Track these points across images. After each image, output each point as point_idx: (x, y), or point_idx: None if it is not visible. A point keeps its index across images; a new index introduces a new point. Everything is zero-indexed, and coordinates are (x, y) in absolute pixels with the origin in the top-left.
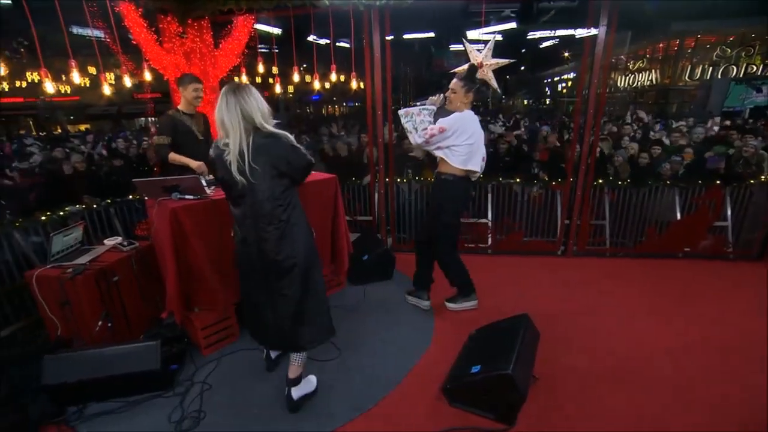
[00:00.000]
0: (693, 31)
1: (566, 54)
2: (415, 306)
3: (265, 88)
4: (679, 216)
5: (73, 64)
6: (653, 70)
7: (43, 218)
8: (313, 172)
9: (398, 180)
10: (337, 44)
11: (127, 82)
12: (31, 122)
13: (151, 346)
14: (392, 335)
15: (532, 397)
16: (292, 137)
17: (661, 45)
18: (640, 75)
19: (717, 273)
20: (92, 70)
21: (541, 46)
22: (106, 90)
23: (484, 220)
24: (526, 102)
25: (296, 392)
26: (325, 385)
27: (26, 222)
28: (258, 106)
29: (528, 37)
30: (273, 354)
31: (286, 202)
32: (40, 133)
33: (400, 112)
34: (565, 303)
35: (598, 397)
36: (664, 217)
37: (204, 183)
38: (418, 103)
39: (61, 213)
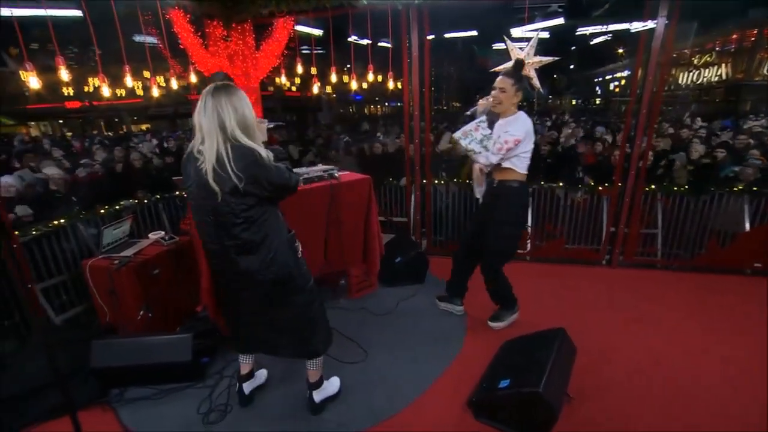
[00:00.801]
0: None
1: (620, 50)
2: (445, 311)
3: (306, 88)
4: (748, 227)
5: (127, 69)
6: (723, 65)
7: (102, 211)
8: (348, 172)
9: (436, 182)
10: (379, 44)
11: (174, 84)
12: (102, 123)
13: (184, 338)
14: (421, 341)
15: (565, 417)
16: (267, 154)
17: (734, 36)
18: (707, 70)
19: None
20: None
21: (591, 43)
22: (155, 92)
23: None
24: (574, 102)
25: (318, 395)
26: (347, 389)
27: (89, 215)
28: (235, 111)
29: (577, 33)
30: (246, 388)
31: (250, 221)
32: (109, 133)
33: (456, 135)
34: (608, 317)
35: (640, 421)
36: (730, 227)
37: None
38: (467, 113)
39: (117, 207)
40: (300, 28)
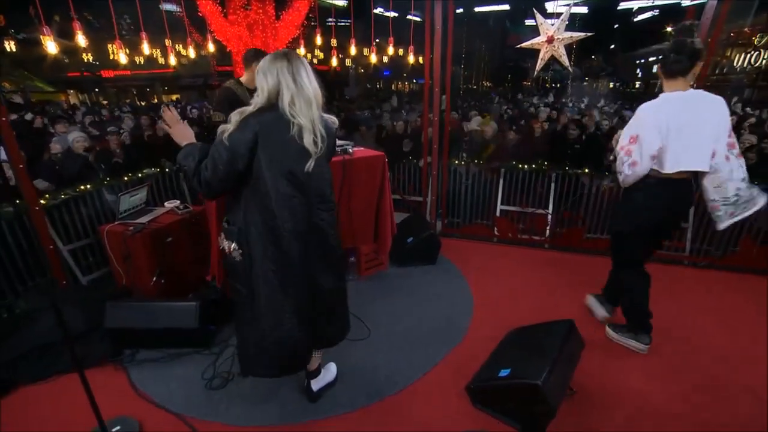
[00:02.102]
0: None
1: (669, 29)
2: (453, 295)
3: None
4: None
5: (144, 36)
6: None
7: (126, 178)
8: (362, 148)
9: (456, 162)
10: (407, 17)
11: (191, 53)
12: (134, 92)
13: (191, 306)
14: (426, 323)
15: (565, 411)
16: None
17: None
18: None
19: None
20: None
21: (636, 20)
22: (172, 61)
23: (542, 211)
24: (612, 85)
25: (316, 384)
26: (347, 366)
27: (113, 181)
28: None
29: (620, 8)
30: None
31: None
32: (141, 102)
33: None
34: None
35: (644, 419)
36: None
37: None
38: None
39: (140, 175)
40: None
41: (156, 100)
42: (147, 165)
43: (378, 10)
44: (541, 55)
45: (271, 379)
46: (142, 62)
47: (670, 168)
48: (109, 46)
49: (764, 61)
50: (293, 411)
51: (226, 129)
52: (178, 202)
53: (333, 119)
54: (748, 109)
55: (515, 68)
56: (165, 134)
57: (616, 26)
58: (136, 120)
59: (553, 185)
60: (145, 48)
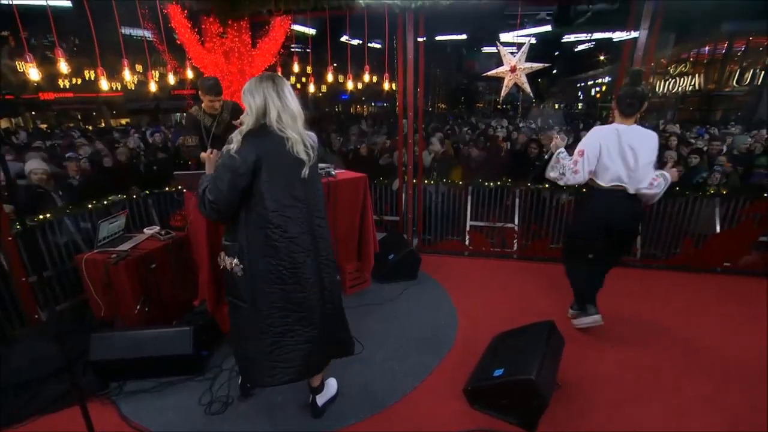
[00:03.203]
0: (745, 32)
1: (602, 57)
2: (437, 307)
3: (302, 86)
4: (718, 229)
5: (125, 63)
6: (697, 75)
7: (90, 206)
8: (344, 170)
9: (426, 181)
10: (369, 45)
11: (171, 79)
12: (79, 116)
13: (184, 331)
14: (415, 335)
15: (555, 403)
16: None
17: (707, 47)
18: (682, 80)
19: (761, 290)
20: (139, 68)
21: (576, 50)
22: (153, 87)
23: (510, 225)
24: (557, 106)
25: (321, 399)
26: (345, 381)
27: (76, 209)
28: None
29: (563, 41)
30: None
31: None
32: (88, 127)
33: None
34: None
35: (623, 407)
36: (703, 229)
37: None
38: (546, 156)
39: (105, 202)
40: (295, 27)
41: (103, 124)
42: (111, 192)
43: (344, 38)
44: (505, 82)
45: (271, 400)
46: (77, 83)
47: (609, 183)
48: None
49: (679, 88)
50: (301, 428)
51: (230, 150)
52: (158, 228)
53: (314, 135)
54: (673, 128)
55: (467, 91)
56: (128, 160)
57: (557, 54)
58: (91, 145)
59: (517, 200)
60: (126, 75)
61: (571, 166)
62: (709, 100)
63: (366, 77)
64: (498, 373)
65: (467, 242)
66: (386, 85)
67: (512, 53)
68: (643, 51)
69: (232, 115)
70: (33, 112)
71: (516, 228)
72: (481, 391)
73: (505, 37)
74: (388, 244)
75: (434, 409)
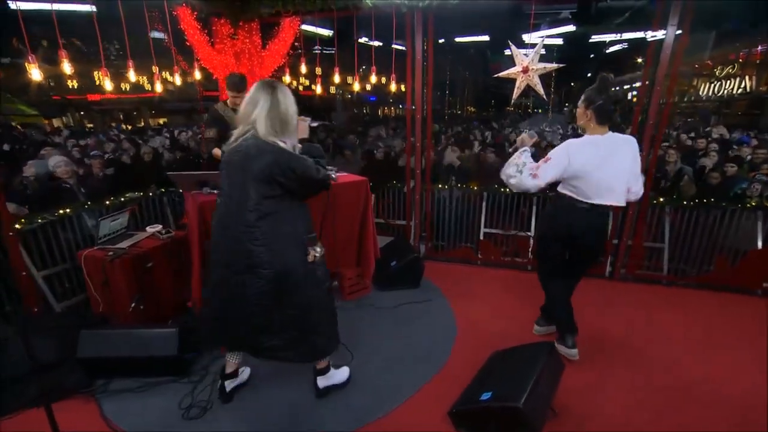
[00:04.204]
0: None
1: (639, 59)
2: (436, 318)
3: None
4: (760, 245)
5: (131, 64)
6: (747, 77)
7: (107, 202)
8: (346, 174)
9: (440, 186)
10: (393, 47)
11: (177, 80)
12: (121, 116)
13: (170, 332)
14: (410, 346)
15: None
16: (296, 146)
17: (759, 48)
18: (728, 82)
19: None
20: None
21: (607, 51)
22: (159, 88)
23: (524, 233)
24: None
25: (322, 381)
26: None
27: (94, 205)
28: (273, 107)
29: (591, 41)
30: (228, 386)
31: (264, 212)
32: (127, 126)
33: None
34: (606, 331)
35: None
36: (741, 245)
37: None
38: (510, 149)
39: (122, 199)
40: (310, 28)
41: (143, 124)
42: (132, 189)
43: (363, 40)
44: (517, 84)
45: (252, 406)
46: (127, 88)
47: (579, 197)
48: (95, 72)
49: (725, 91)
50: None
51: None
52: (160, 226)
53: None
54: (723, 131)
55: (497, 95)
56: (153, 158)
57: (592, 56)
58: (120, 144)
59: (534, 208)
60: (131, 75)
61: (531, 169)
62: (762, 103)
63: (373, 78)
64: (486, 396)
65: (478, 251)
66: (393, 86)
67: (526, 54)
68: (670, 52)
69: None
70: (81, 113)
71: (531, 237)
72: (467, 414)
73: (528, 38)
74: (393, 249)
75: (417, 428)
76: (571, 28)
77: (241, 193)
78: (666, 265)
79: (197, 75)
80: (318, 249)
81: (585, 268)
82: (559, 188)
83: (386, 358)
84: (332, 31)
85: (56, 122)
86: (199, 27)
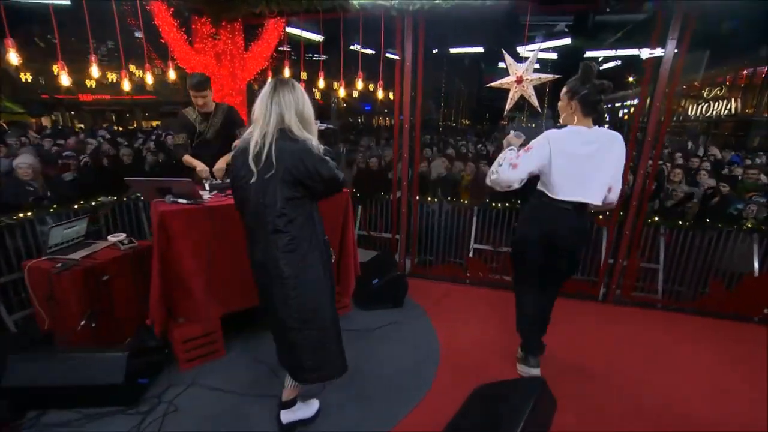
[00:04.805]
0: None
1: (630, 78)
2: (418, 343)
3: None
4: (757, 269)
5: (94, 59)
6: (733, 99)
7: (76, 206)
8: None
9: (428, 199)
10: (383, 54)
11: (149, 78)
12: (113, 117)
13: (117, 357)
14: (387, 374)
15: None
16: (320, 147)
17: (744, 72)
18: (716, 104)
19: None
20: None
21: (601, 68)
22: (126, 86)
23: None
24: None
25: (286, 416)
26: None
27: (61, 209)
28: (296, 105)
29: (586, 56)
30: (284, 417)
31: (292, 215)
32: (119, 128)
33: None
34: (601, 360)
35: None
36: (737, 267)
37: (207, 187)
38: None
39: (93, 203)
40: (297, 31)
41: (135, 125)
42: (107, 193)
43: (355, 47)
44: (510, 94)
45: None
46: (121, 86)
47: (558, 195)
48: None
49: (713, 112)
50: None
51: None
52: (124, 235)
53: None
54: (714, 151)
55: (491, 108)
56: (134, 161)
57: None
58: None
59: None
60: (94, 71)
61: (511, 159)
62: (747, 126)
63: (359, 84)
64: None
65: (467, 268)
66: (380, 94)
67: (521, 65)
68: (669, 68)
69: (224, 121)
70: (72, 112)
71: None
72: None
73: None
74: (376, 265)
75: None
76: (567, 41)
77: (265, 197)
78: (661, 287)
79: (172, 75)
80: (332, 253)
81: (563, 278)
82: (538, 186)
83: (364, 384)
84: (320, 36)
85: (45, 121)
86: (176, 24)
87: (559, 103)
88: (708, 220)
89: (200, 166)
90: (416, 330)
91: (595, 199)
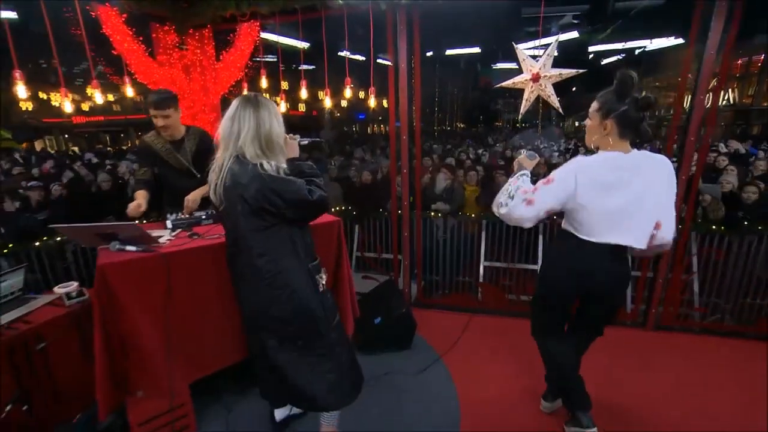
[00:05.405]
0: None
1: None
2: (434, 396)
3: (310, 106)
4: None
5: (17, 75)
6: (730, 89)
7: (37, 244)
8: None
9: (432, 215)
10: (372, 56)
11: (99, 98)
12: (107, 138)
13: None
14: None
15: None
16: (280, 167)
17: (740, 61)
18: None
19: None
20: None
21: (603, 63)
22: (68, 107)
23: (533, 266)
24: (577, 124)
25: (279, 413)
26: None
27: (17, 247)
28: (256, 126)
29: (591, 51)
30: (278, 414)
31: (262, 248)
32: (110, 149)
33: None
34: (640, 407)
35: None
36: None
37: (168, 225)
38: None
39: (58, 239)
40: (278, 38)
41: (129, 146)
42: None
43: (343, 53)
44: (525, 95)
45: None
46: (118, 108)
47: (589, 237)
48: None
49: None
50: None
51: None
52: (75, 284)
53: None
54: (737, 145)
55: (486, 110)
56: (113, 187)
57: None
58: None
59: (541, 236)
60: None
61: (526, 192)
62: (747, 115)
63: (348, 92)
64: None
65: (479, 295)
66: (372, 101)
67: (534, 57)
68: (717, 47)
69: (198, 147)
70: (66, 135)
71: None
72: None
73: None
74: (377, 299)
75: None
76: (574, 34)
77: (236, 229)
78: (698, 301)
79: (129, 92)
80: (324, 276)
81: (599, 325)
82: (564, 225)
83: None
84: (304, 43)
85: (39, 145)
86: (131, 33)
87: (588, 123)
88: (746, 222)
89: (133, 204)
90: (429, 379)
91: (637, 241)
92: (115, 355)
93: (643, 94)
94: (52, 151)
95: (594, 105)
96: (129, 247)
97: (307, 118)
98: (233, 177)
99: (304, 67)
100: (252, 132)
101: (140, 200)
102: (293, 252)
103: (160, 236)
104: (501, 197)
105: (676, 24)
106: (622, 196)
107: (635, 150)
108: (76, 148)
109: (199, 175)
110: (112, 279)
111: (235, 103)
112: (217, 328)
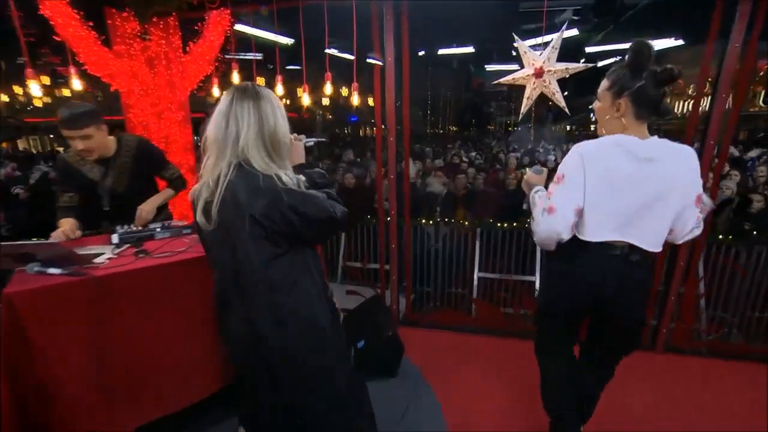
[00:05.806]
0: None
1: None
2: (425, 420)
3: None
4: None
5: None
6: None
7: None
8: None
9: (423, 222)
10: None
11: (37, 90)
12: None
13: None
14: None
15: None
16: (298, 178)
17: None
18: (702, 100)
19: None
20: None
21: (599, 65)
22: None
23: (528, 278)
24: (569, 128)
25: None
26: None
27: None
28: (259, 123)
29: (588, 50)
30: None
31: (281, 274)
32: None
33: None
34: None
35: None
36: None
37: (114, 240)
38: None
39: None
40: (266, 35)
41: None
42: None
43: (331, 51)
44: (527, 92)
45: None
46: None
47: (594, 236)
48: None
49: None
50: None
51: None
52: None
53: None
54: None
55: (478, 112)
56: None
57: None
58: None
59: (538, 248)
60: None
61: (544, 204)
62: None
63: (328, 89)
64: None
65: (473, 311)
66: (355, 99)
67: (536, 49)
68: (739, 51)
69: (136, 160)
70: (51, 136)
71: (537, 283)
72: None
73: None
74: (361, 318)
75: None
76: (573, 32)
77: (235, 253)
78: (705, 327)
79: (76, 85)
80: (336, 302)
81: (617, 347)
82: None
83: None
84: (288, 39)
85: (21, 144)
86: (78, 17)
87: (596, 104)
88: (754, 232)
89: (60, 230)
90: (417, 410)
91: (651, 243)
92: (26, 410)
93: (666, 66)
94: (35, 152)
95: (604, 83)
96: (52, 270)
97: (299, 120)
98: (238, 192)
99: (291, 67)
100: (254, 131)
101: (65, 227)
102: (313, 282)
103: (100, 254)
104: (532, 225)
105: (676, 24)
106: (637, 189)
107: (654, 137)
108: (61, 149)
109: (133, 197)
110: (21, 311)
111: (227, 95)
112: (180, 360)
